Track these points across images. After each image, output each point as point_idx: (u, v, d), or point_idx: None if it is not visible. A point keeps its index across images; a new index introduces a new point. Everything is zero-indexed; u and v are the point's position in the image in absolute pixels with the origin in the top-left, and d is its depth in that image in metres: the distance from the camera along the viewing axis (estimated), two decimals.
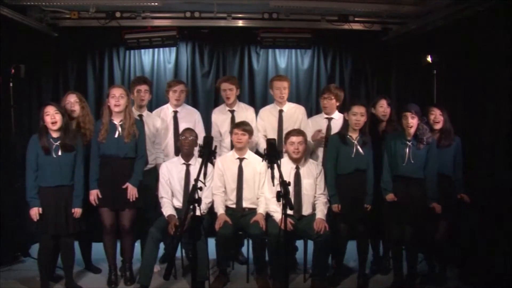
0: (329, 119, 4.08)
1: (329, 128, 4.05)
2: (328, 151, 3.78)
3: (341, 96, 4.12)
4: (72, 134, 3.46)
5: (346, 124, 3.68)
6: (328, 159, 3.74)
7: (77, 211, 3.43)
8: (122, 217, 3.62)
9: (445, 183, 3.58)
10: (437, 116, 3.63)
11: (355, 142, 3.62)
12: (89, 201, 3.52)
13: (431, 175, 3.50)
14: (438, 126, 3.63)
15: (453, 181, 3.64)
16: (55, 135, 3.39)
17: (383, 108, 3.89)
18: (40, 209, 3.32)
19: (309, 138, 3.97)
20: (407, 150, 3.49)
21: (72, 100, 3.69)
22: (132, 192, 3.56)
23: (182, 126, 4.04)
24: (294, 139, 3.71)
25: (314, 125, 4.10)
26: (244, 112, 4.26)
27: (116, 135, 3.54)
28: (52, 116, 3.34)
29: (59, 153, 3.37)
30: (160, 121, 4.08)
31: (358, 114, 3.58)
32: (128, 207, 3.59)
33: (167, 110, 4.22)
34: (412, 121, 3.45)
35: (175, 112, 4.19)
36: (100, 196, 3.53)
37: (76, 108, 3.69)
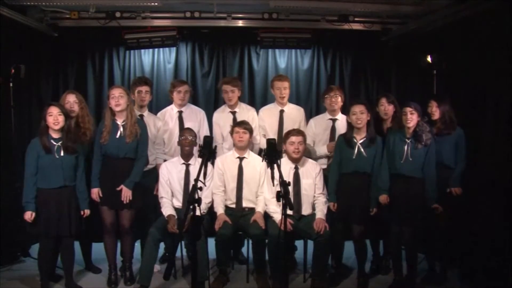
0: (333, 120, 4.07)
1: (333, 129, 4.04)
2: (334, 150, 3.79)
3: (343, 96, 4.13)
4: (74, 136, 3.47)
5: (350, 126, 3.67)
6: (333, 158, 3.77)
7: (86, 212, 3.50)
8: (122, 217, 3.62)
9: (443, 174, 3.57)
10: (433, 108, 3.66)
11: (358, 143, 3.61)
12: (91, 201, 3.55)
13: (430, 175, 3.49)
14: (435, 117, 3.66)
15: (451, 174, 3.63)
16: (55, 135, 3.39)
17: (383, 106, 3.87)
18: (34, 213, 3.32)
19: (309, 140, 3.96)
20: (406, 147, 3.48)
21: (71, 100, 3.69)
22: (126, 194, 3.55)
23: (187, 126, 4.01)
24: (294, 138, 3.70)
25: (317, 126, 4.09)
26: (246, 113, 4.23)
27: (118, 135, 3.55)
28: (55, 117, 3.35)
29: (61, 154, 3.38)
30: (160, 121, 4.08)
31: (358, 113, 3.57)
32: (127, 208, 3.59)
33: (171, 111, 4.20)
34: (412, 117, 3.44)
35: (180, 112, 4.17)
36: (101, 194, 3.56)
37: (75, 108, 3.69)
